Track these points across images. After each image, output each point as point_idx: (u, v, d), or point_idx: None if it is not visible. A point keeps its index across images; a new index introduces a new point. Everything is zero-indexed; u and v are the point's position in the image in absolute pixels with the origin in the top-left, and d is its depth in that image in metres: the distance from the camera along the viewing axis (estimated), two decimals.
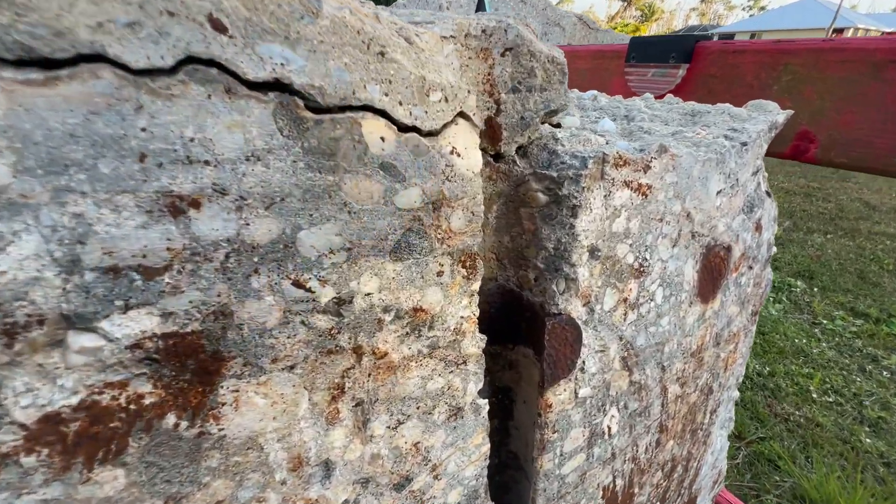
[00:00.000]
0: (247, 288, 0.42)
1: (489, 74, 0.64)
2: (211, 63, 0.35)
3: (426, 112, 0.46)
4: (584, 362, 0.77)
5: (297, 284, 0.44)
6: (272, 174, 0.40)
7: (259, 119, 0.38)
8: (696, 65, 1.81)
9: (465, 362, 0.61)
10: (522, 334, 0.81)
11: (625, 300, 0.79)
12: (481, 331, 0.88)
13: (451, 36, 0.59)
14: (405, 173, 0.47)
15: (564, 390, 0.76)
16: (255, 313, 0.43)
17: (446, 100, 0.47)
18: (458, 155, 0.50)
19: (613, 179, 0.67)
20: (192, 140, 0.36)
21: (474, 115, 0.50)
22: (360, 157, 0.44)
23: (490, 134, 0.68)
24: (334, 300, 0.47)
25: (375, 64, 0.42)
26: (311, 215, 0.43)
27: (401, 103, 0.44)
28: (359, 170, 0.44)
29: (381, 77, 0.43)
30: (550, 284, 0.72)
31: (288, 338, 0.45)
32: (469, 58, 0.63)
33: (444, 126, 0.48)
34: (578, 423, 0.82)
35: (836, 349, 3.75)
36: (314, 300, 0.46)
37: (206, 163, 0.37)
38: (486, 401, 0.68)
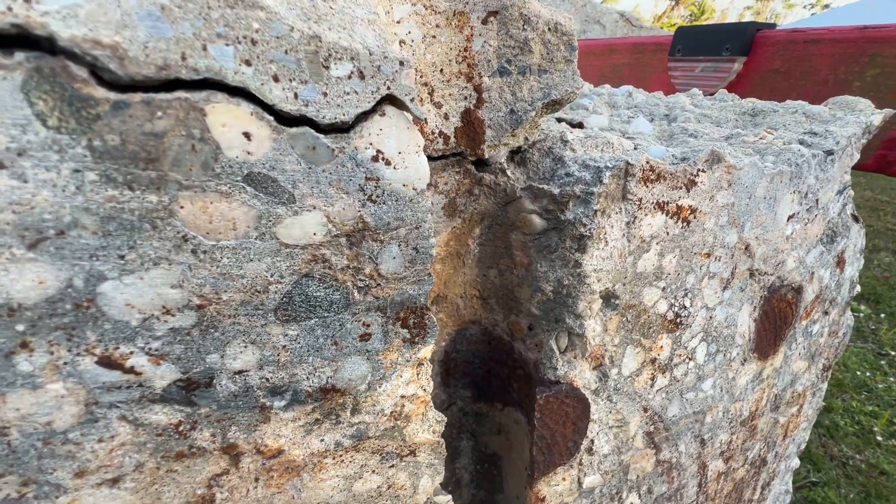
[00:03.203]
0: (8, 372, 0.26)
1: (466, 50, 0.46)
2: None
3: (325, 94, 0.29)
4: (592, 442, 0.57)
5: (108, 363, 0.28)
6: (33, 192, 0.24)
7: None
8: (754, 58, 1.54)
9: (412, 453, 0.43)
10: (513, 395, 0.63)
11: (652, 361, 0.58)
12: (463, 385, 0.70)
13: None
14: (293, 191, 0.30)
15: (563, 479, 0.57)
16: (28, 410, 0.27)
17: (361, 75, 0.29)
18: (388, 163, 0.32)
19: (641, 200, 0.48)
20: None
21: (413, 100, 0.32)
22: (206, 164, 0.27)
23: (468, 133, 0.50)
24: (179, 383, 0.30)
25: (223, 10, 0.25)
26: (120, 257, 0.26)
27: (276, 78, 0.27)
28: (206, 185, 0.27)
29: (237, 34, 0.26)
30: (548, 339, 0.53)
31: (99, 441, 0.29)
32: (436, 26, 0.45)
33: (360, 118, 0.31)
34: None
35: None
36: (143, 385, 0.29)
37: None
38: (449, 497, 0.49)
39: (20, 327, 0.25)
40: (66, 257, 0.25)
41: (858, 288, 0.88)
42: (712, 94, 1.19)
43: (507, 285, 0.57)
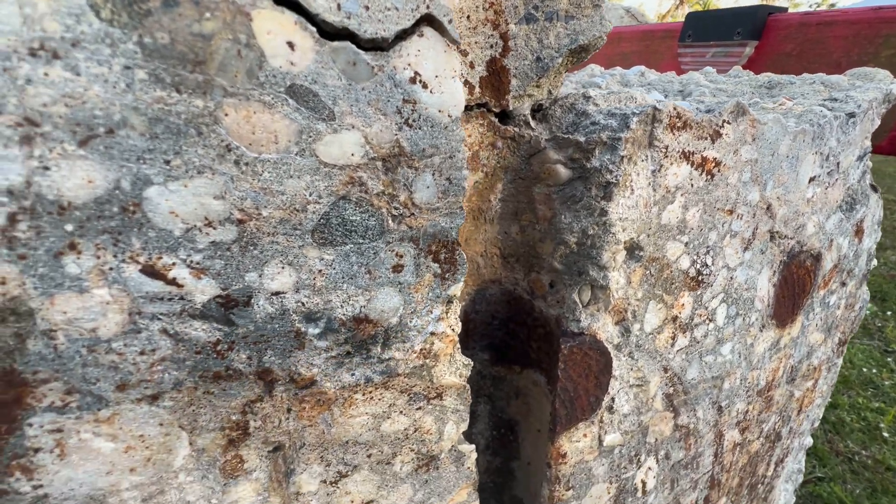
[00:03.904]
0: (56, 273, 0.26)
1: None
2: None
3: (367, 7, 0.29)
4: (613, 400, 0.57)
5: (151, 272, 0.28)
6: (86, 85, 0.24)
7: None
8: (767, 41, 1.53)
9: (439, 396, 0.43)
10: (532, 356, 0.63)
11: (674, 319, 0.58)
12: (481, 347, 0.70)
13: None
14: (333, 107, 0.30)
15: (585, 436, 0.57)
16: (75, 314, 0.27)
17: None
18: (425, 86, 0.32)
19: (667, 148, 0.48)
20: None
21: (451, 21, 0.32)
22: (250, 71, 0.27)
23: (494, 83, 0.50)
24: (219, 300, 0.31)
25: None
26: (166, 162, 0.27)
27: None
28: (250, 93, 0.27)
29: None
30: (571, 293, 0.53)
31: (141, 354, 0.30)
32: None
33: (399, 37, 0.31)
34: (602, 477, 0.62)
35: None
36: (184, 298, 0.30)
37: None
38: (473, 447, 0.50)
39: (69, 227, 0.26)
40: (115, 157, 0.25)
41: (875, 262, 0.88)
42: None
43: (528, 241, 0.57)
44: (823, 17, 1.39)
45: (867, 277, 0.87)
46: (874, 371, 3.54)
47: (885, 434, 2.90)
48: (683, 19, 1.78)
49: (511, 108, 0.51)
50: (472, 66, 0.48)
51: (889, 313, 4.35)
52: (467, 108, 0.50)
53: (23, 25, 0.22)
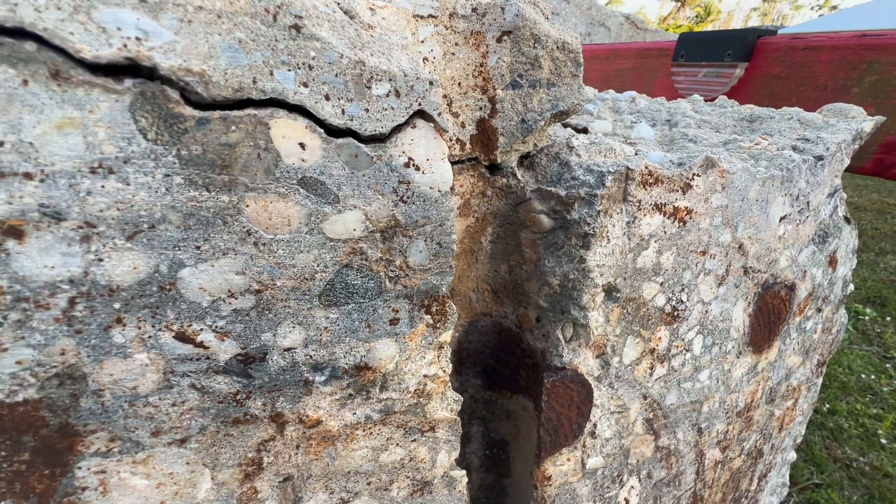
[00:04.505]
0: (105, 343, 0.31)
1: (482, 66, 0.51)
2: (23, 34, 0.24)
3: (367, 110, 0.34)
4: (595, 426, 0.62)
5: (183, 338, 0.33)
6: (134, 192, 0.29)
7: (109, 116, 0.27)
8: (756, 63, 1.58)
9: (432, 429, 0.48)
10: (521, 383, 0.67)
11: (651, 351, 0.63)
12: (474, 373, 0.75)
13: (430, 15, 0.47)
14: (338, 192, 0.35)
15: (568, 460, 0.62)
16: (119, 376, 0.32)
17: (397, 94, 0.34)
18: (417, 168, 0.37)
19: (640, 202, 0.52)
20: (0, 144, 0.25)
21: (440, 114, 0.37)
22: (268, 169, 0.32)
23: (483, 140, 0.54)
24: (239, 357, 0.35)
25: (287, 42, 0.30)
26: (197, 248, 0.31)
27: (328, 97, 0.32)
28: (268, 187, 0.32)
29: (297, 61, 0.31)
30: (554, 329, 0.58)
31: (173, 405, 0.34)
32: (455, 44, 0.50)
33: (395, 130, 0.36)
34: (586, 496, 0.67)
35: None
36: (209, 358, 0.34)
37: (28, 176, 0.26)
38: (464, 472, 0.54)
39: (117, 305, 0.31)
40: (155, 247, 0.30)
41: (851, 287, 0.92)
42: (714, 99, 1.24)
43: (516, 280, 0.62)
44: (810, 41, 1.44)
45: (843, 302, 0.91)
46: (872, 377, 3.56)
47: (883, 441, 2.92)
48: (677, 38, 1.83)
49: (499, 161, 0.55)
50: (463, 125, 0.53)
51: (888, 319, 4.36)
52: (459, 161, 0.55)
53: (86, 150, 0.27)
